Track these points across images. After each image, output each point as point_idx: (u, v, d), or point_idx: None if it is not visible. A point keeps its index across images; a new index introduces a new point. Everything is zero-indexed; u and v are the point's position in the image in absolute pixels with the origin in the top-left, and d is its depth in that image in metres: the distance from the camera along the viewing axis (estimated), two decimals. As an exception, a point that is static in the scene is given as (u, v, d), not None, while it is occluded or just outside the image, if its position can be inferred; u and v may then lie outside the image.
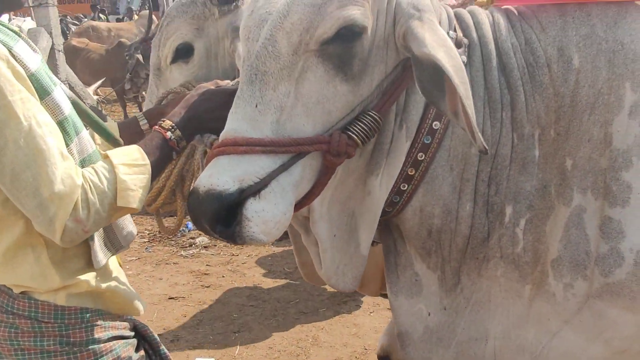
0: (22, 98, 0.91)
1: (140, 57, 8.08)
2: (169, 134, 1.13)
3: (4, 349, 1.06)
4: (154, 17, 8.48)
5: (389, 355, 1.89)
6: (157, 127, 1.15)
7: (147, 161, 1.07)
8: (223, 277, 3.71)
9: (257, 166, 0.95)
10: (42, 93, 0.97)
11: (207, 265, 3.91)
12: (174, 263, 4.01)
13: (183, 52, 1.52)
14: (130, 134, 1.27)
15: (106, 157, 1.05)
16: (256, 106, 0.98)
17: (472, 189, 1.16)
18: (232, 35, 1.52)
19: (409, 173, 1.15)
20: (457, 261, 1.26)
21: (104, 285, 1.12)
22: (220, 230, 0.95)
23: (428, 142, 1.12)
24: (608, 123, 1.09)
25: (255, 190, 0.94)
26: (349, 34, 0.98)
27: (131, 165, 1.05)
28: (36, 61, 0.98)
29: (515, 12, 1.14)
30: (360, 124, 1.02)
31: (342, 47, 1.00)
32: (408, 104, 1.10)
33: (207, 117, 1.19)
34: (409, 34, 1.00)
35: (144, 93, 9.73)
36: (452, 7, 1.18)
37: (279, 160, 0.97)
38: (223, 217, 0.94)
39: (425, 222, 1.20)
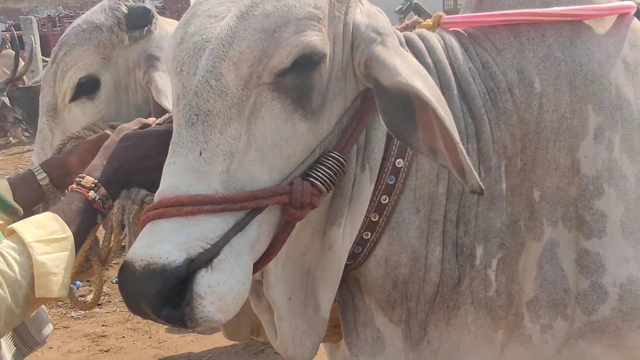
0: None
1: (6, 99, 7.45)
2: (92, 193, 0.96)
3: None
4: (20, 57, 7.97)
5: None
6: (75, 185, 0.97)
7: (69, 232, 0.89)
8: (123, 337, 3.25)
9: (206, 229, 0.80)
10: None
11: (103, 325, 3.41)
12: (64, 327, 3.43)
13: (87, 87, 1.34)
14: (26, 193, 1.09)
15: (13, 233, 0.87)
16: (200, 154, 0.83)
17: (440, 231, 1.05)
18: (145, 65, 1.37)
19: (372, 219, 1.03)
20: (425, 312, 1.14)
21: None
22: (168, 314, 0.78)
23: (392, 182, 1.00)
24: (574, 149, 1.05)
25: (206, 259, 0.78)
26: (307, 63, 0.87)
27: (49, 240, 0.87)
28: None
29: (466, 34, 1.06)
30: (323, 167, 0.89)
31: (300, 78, 0.87)
32: (369, 141, 0.99)
33: (136, 167, 1.02)
34: (374, 62, 0.89)
35: (11, 139, 8.89)
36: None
37: (232, 219, 0.81)
38: (169, 296, 0.77)
39: (390, 273, 1.07)
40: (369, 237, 1.03)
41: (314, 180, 0.87)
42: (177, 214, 0.79)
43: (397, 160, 1.00)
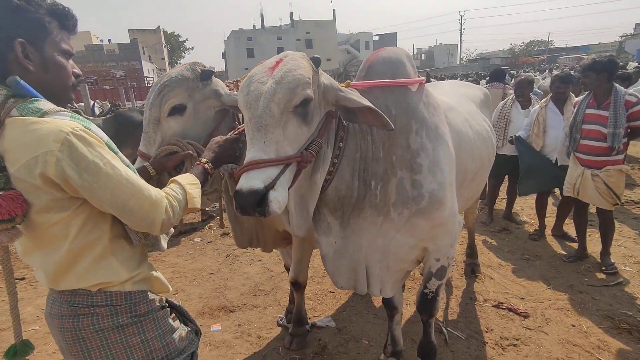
0: (112, 156, 1.13)
1: None
2: (206, 165, 1.45)
3: (87, 333, 1.18)
4: None
5: (297, 279, 2.56)
6: (198, 162, 1.45)
7: (198, 181, 1.36)
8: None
9: (270, 173, 1.30)
10: (115, 153, 1.15)
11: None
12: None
13: (179, 109, 1.75)
14: (142, 176, 1.36)
15: (174, 181, 1.30)
16: (264, 143, 1.33)
17: (357, 173, 1.70)
18: (216, 95, 1.83)
19: (330, 169, 1.61)
20: (349, 212, 1.78)
21: (153, 273, 1.32)
22: (258, 210, 1.26)
23: (338, 153, 1.62)
24: (407, 138, 1.68)
25: (272, 186, 1.28)
26: (306, 101, 1.39)
27: (191, 184, 1.31)
28: (103, 135, 1.15)
29: (362, 90, 1.68)
30: (314, 145, 1.43)
31: (303, 108, 1.39)
32: (329, 135, 1.56)
33: (223, 155, 1.54)
34: (342, 99, 1.49)
35: None
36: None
37: (278, 169, 1.32)
38: (258, 202, 1.26)
39: (337, 194, 1.71)
40: (329, 178, 1.63)
41: (311, 151, 1.39)
42: (257, 167, 1.27)
43: (339, 143, 1.60)
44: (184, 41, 57.19)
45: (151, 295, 1.28)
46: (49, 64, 1.15)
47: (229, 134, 1.68)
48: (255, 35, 41.35)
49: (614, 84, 3.43)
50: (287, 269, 3.07)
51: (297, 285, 2.71)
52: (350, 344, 2.80)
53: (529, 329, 2.96)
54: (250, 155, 1.32)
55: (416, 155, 1.75)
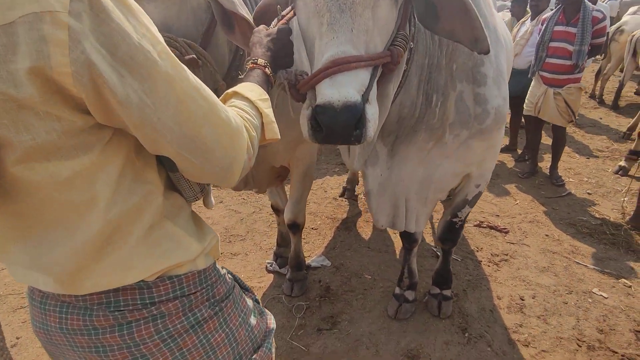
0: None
1: None
2: (267, 70, 0.97)
3: (149, 348, 0.75)
4: None
5: (296, 220, 2.28)
6: (253, 64, 0.96)
7: (267, 95, 0.90)
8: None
9: (363, 78, 0.94)
10: None
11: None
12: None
13: None
14: None
15: (234, 94, 0.85)
16: (352, 30, 0.95)
17: (422, 86, 1.39)
18: None
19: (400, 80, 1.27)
20: (403, 136, 1.50)
21: (215, 236, 0.91)
22: (357, 134, 0.90)
23: (408, 57, 1.27)
24: None
25: (367, 97, 0.93)
26: None
27: (263, 100, 0.86)
28: None
29: None
30: (401, 40, 1.06)
31: None
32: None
33: (280, 54, 1.04)
34: None
35: None
36: None
37: (369, 72, 0.96)
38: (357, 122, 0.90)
39: (399, 113, 1.40)
40: (394, 91, 1.25)
41: (400, 47, 1.05)
42: (347, 69, 0.91)
43: (410, 43, 1.20)
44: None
45: (221, 269, 0.89)
46: None
47: (273, 23, 1.15)
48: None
49: None
50: (274, 209, 2.70)
51: (296, 227, 2.39)
52: (353, 281, 2.62)
53: (512, 243, 3.07)
54: (334, 49, 0.92)
55: (480, 62, 1.47)
